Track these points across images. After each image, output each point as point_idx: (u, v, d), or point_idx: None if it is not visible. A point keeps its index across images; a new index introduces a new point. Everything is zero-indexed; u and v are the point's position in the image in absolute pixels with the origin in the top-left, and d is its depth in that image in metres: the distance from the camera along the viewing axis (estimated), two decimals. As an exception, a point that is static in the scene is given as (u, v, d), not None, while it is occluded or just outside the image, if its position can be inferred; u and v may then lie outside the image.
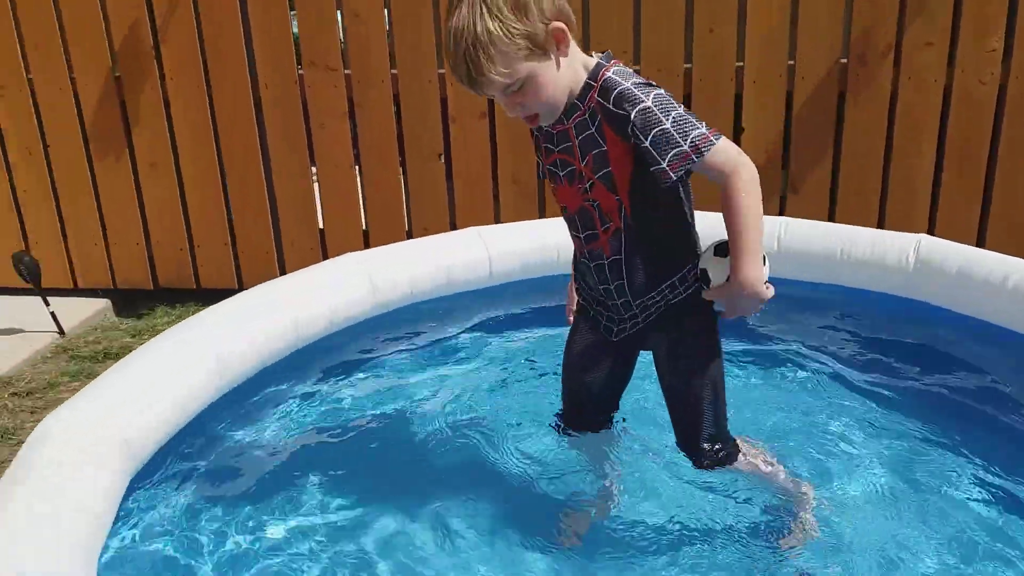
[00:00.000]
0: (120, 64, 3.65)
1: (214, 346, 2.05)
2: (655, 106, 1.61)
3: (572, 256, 1.94)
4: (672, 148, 1.62)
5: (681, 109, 1.63)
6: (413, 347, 2.64)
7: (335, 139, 3.73)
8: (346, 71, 3.66)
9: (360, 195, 3.83)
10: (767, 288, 1.70)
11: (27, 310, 3.56)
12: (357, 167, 3.80)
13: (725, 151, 1.65)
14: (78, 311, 3.72)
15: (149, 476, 1.85)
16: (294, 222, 3.83)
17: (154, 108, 3.69)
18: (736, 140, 3.65)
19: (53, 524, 1.42)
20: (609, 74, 1.66)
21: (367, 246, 3.78)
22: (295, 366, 2.35)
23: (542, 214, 3.75)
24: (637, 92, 1.63)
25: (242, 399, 2.20)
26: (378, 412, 2.30)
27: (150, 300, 3.89)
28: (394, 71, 3.66)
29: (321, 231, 3.86)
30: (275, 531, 1.82)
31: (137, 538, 1.74)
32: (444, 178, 3.80)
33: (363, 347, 2.55)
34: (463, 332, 2.70)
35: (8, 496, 1.46)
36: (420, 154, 3.75)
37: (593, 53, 1.74)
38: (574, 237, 1.86)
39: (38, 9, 3.58)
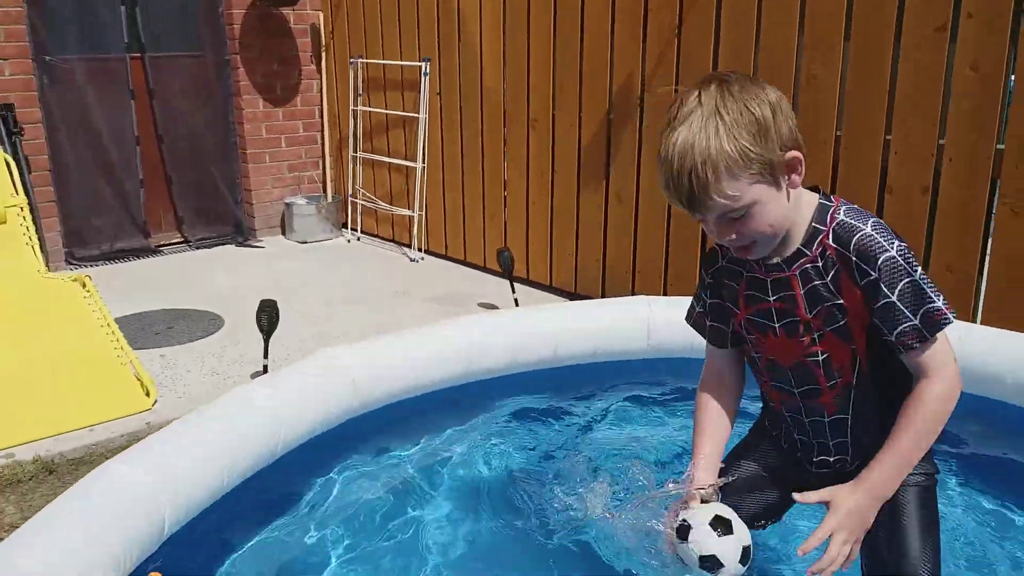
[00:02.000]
0: (614, 108, 4.35)
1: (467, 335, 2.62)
2: (899, 256, 1.48)
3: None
4: (926, 303, 1.49)
5: (920, 269, 1.50)
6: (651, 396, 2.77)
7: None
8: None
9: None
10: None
11: (505, 293, 4.56)
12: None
13: (946, 344, 1.52)
14: (540, 302, 4.59)
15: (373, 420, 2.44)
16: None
17: (630, 149, 4.30)
18: None
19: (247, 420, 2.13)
20: (840, 216, 1.54)
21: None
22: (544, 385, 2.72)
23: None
24: (879, 237, 1.49)
25: (488, 391, 2.65)
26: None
27: (598, 308, 4.56)
28: (838, 132, 3.60)
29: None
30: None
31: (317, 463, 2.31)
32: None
33: (631, 382, 2.77)
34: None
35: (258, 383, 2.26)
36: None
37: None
38: (778, 390, 1.71)
39: (571, 60, 4.48)
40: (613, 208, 4.44)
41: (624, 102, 4.28)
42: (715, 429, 1.78)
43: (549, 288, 4.81)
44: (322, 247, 6.02)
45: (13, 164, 4.49)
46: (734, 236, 1.51)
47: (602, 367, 2.79)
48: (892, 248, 1.48)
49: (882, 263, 1.48)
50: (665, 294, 4.27)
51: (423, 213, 5.60)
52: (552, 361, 2.72)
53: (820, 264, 1.54)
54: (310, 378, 2.30)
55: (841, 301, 1.54)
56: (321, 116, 6.30)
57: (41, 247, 4.39)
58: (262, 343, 3.53)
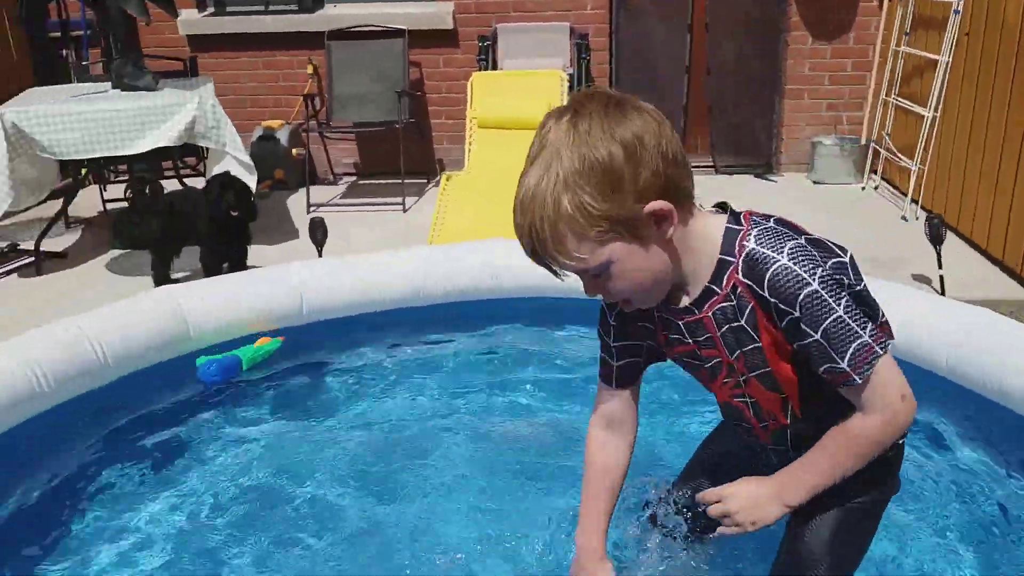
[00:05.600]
0: None
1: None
2: (823, 288, 1.26)
3: None
4: (852, 341, 1.28)
5: (847, 295, 1.29)
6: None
7: None
8: None
9: None
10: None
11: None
12: None
13: (889, 375, 1.32)
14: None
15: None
16: None
17: None
18: None
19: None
20: (751, 244, 1.31)
21: None
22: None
23: None
24: (799, 269, 1.26)
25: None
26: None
27: None
28: None
29: None
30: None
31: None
32: None
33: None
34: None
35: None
36: None
37: (701, 206, 1.36)
38: (722, 412, 1.63)
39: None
40: None
41: None
42: (601, 485, 1.62)
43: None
44: (832, 191, 5.86)
45: (566, 79, 5.55)
46: (603, 292, 1.35)
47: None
48: (814, 280, 1.26)
49: (803, 300, 1.26)
50: None
51: (924, 167, 5.02)
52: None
53: (734, 303, 1.33)
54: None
55: (760, 344, 1.35)
56: (873, 55, 5.97)
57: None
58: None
